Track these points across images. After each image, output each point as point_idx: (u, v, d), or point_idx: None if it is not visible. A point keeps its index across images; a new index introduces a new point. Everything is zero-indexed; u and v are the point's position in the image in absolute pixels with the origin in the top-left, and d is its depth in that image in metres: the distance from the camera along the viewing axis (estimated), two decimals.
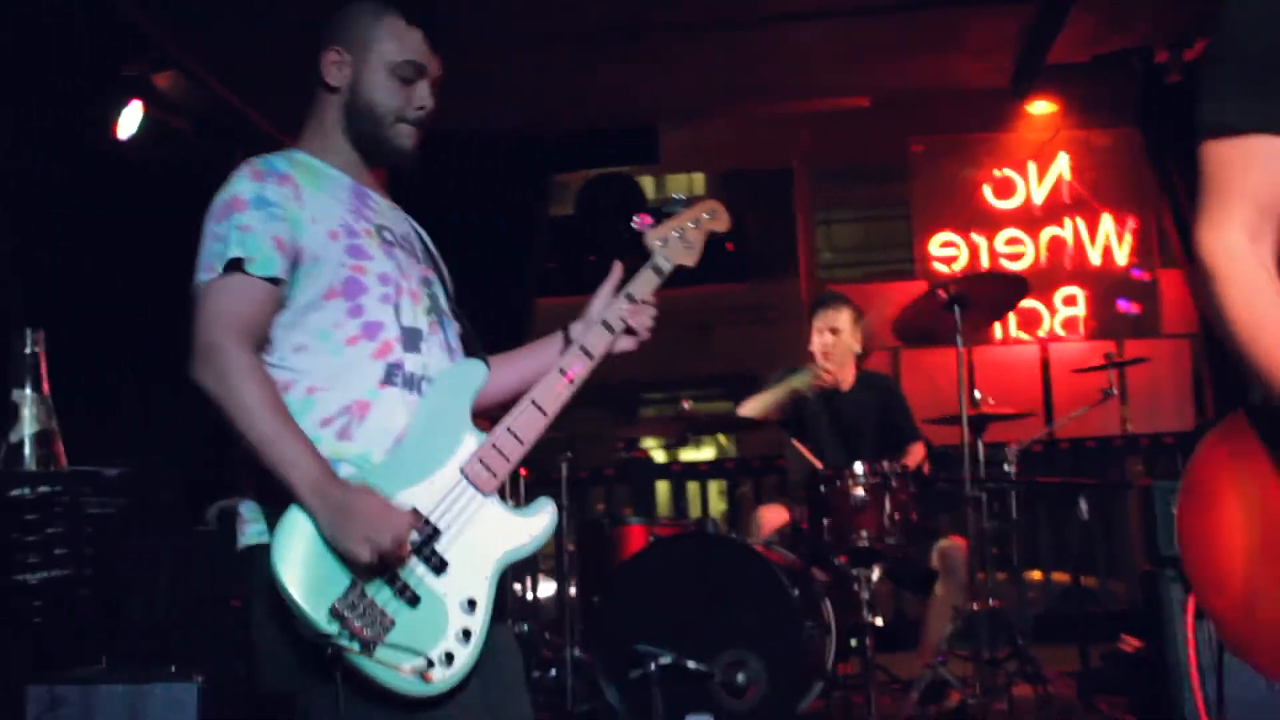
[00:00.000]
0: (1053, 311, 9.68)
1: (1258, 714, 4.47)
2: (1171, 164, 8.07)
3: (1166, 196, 8.15)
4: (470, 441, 2.59)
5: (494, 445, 2.59)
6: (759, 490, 8.90)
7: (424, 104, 2.75)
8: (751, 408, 5.87)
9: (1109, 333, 9.53)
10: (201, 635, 3.85)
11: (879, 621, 5.06)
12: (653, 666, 4.57)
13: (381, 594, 2.39)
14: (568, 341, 2.84)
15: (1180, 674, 4.70)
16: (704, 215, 3.03)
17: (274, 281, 2.50)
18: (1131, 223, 9.67)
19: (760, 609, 4.70)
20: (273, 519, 2.42)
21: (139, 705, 3.64)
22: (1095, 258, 9.70)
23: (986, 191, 9.82)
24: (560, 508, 5.49)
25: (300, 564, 2.34)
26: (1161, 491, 4.97)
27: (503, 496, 2.62)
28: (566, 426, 5.80)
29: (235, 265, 2.46)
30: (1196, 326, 8.33)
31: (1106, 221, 9.69)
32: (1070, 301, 9.70)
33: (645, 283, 2.87)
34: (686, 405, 5.81)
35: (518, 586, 5.90)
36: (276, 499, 2.42)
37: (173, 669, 3.48)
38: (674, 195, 3.00)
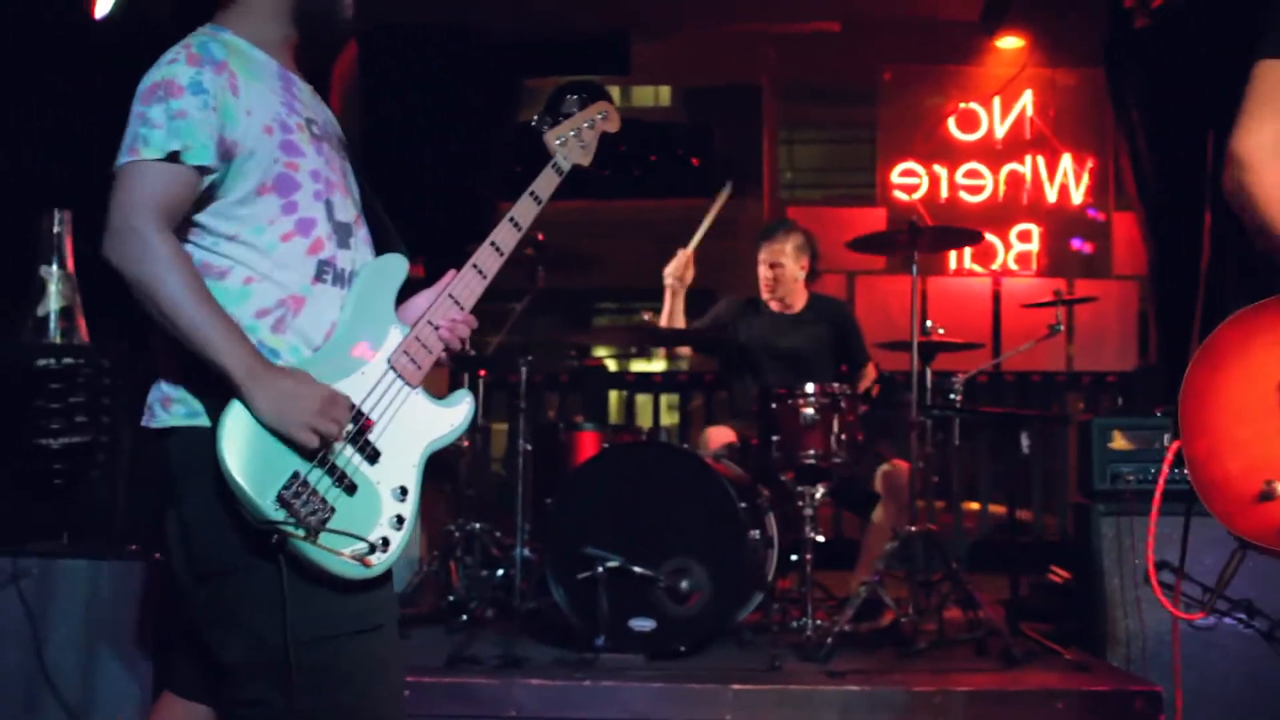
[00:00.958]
0: (1007, 246, 9.81)
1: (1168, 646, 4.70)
2: (1133, 107, 8.17)
3: (1125, 139, 8.25)
4: (395, 334, 2.65)
5: (417, 338, 2.67)
6: (710, 405, 9.03)
7: None
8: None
9: (1061, 270, 9.68)
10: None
11: (820, 539, 5.19)
12: (600, 569, 4.72)
13: (322, 483, 2.45)
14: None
15: (1103, 603, 4.90)
16: (597, 116, 3.15)
17: (201, 171, 2.46)
18: (1090, 163, 9.79)
19: (707, 520, 4.82)
20: (209, 406, 2.45)
21: (96, 580, 3.75)
22: (1052, 196, 9.83)
23: (950, 123, 9.89)
24: (518, 410, 5.66)
25: (245, 454, 2.38)
26: (1099, 427, 5.13)
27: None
28: (523, 331, 5.91)
29: (162, 151, 2.42)
30: (1145, 269, 8.46)
31: (1065, 160, 9.80)
32: (1025, 237, 9.83)
33: (547, 182, 3.00)
34: (647, 317, 5.91)
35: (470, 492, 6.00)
36: (205, 384, 2.44)
37: (133, 548, 3.58)
38: (568, 96, 3.09)
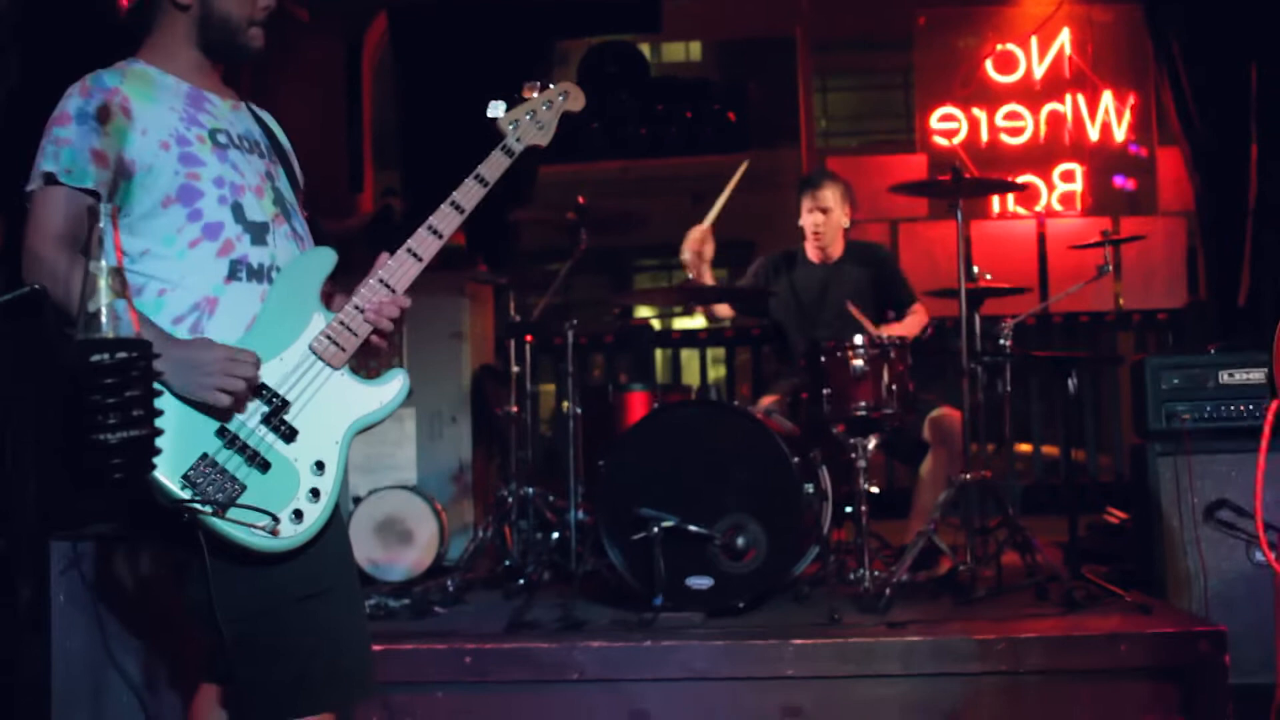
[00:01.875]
0: (1050, 187, 9.71)
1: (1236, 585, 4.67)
2: (1173, 40, 8.07)
3: (1166, 74, 8.15)
4: (319, 321, 2.77)
5: (341, 322, 2.77)
6: (757, 360, 9.01)
7: (269, 4, 2.88)
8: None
9: (1105, 209, 9.58)
10: None
11: (873, 489, 5.18)
12: (655, 530, 4.72)
13: (231, 461, 2.59)
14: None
15: (1162, 543, 4.87)
16: (558, 97, 3.15)
17: (91, 193, 2.61)
18: (1131, 99, 9.66)
19: (760, 476, 4.82)
20: None
21: (153, 563, 3.78)
22: (1094, 134, 9.70)
23: (988, 65, 9.79)
24: (565, 374, 5.68)
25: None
26: (1152, 367, 5.08)
27: (355, 370, 2.81)
28: (565, 292, 5.91)
29: (50, 178, 2.61)
30: (1192, 204, 8.37)
31: (1106, 98, 9.67)
32: (1068, 177, 9.72)
33: (495, 164, 2.99)
34: (691, 275, 5.85)
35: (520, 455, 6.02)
36: None
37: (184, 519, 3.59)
38: (526, 83, 3.11)
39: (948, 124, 9.80)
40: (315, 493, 2.68)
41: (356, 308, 2.78)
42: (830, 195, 6.03)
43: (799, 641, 4.28)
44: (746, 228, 10.38)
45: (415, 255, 2.84)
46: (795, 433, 5.33)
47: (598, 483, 5.04)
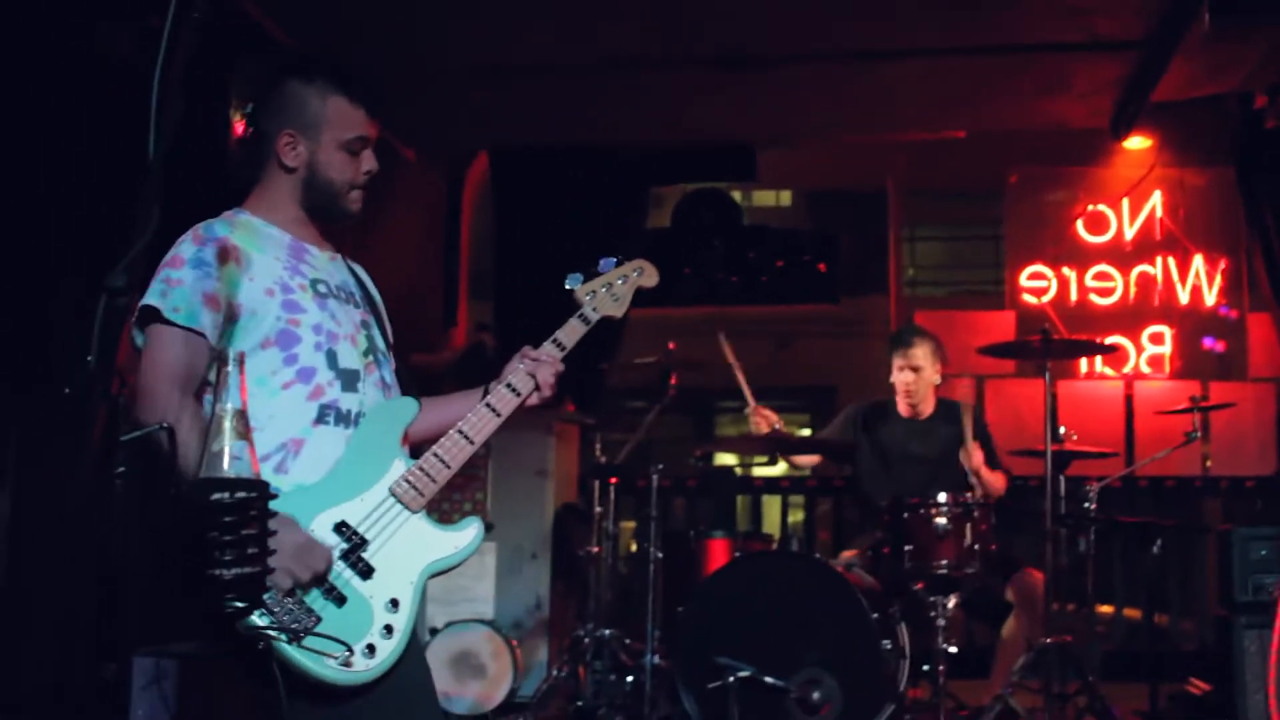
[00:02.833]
0: (1139, 349, 9.66)
1: None
2: (1267, 209, 8.08)
3: (1259, 240, 8.15)
4: (399, 466, 2.89)
5: (421, 468, 2.89)
6: (839, 510, 8.99)
7: (371, 168, 3.05)
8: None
9: (1194, 373, 9.50)
10: None
11: (952, 649, 5.15)
12: (731, 679, 4.72)
13: (309, 594, 2.66)
14: (486, 391, 3.08)
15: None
16: (633, 273, 3.31)
17: (198, 334, 2.73)
18: (1223, 264, 9.63)
19: (838, 629, 4.82)
20: None
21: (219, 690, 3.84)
22: (1184, 297, 9.66)
23: (1079, 225, 9.83)
24: (649, 518, 5.72)
25: None
26: (1240, 538, 5.03)
27: (430, 513, 2.91)
28: (648, 430, 5.97)
29: (154, 314, 2.72)
30: None
31: (1197, 261, 9.65)
32: (1157, 340, 9.68)
33: (571, 330, 3.16)
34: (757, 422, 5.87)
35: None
36: None
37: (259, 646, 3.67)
38: (602, 259, 3.29)
39: (1037, 282, 9.81)
40: (389, 629, 2.75)
41: (437, 456, 2.90)
42: (921, 354, 6.07)
43: None
44: (831, 375, 10.43)
45: (495, 411, 2.99)
46: (875, 587, 5.32)
47: (675, 628, 5.06)
